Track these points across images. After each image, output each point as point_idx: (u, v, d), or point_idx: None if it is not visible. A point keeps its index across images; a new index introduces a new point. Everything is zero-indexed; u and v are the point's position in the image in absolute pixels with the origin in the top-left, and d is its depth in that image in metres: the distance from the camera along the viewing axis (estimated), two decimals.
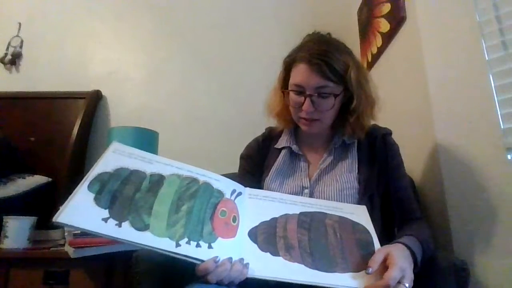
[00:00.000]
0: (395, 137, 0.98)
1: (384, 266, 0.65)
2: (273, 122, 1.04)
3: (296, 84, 0.88)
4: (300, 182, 0.92)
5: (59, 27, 2.03)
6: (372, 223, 0.80)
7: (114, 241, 0.71)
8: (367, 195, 0.87)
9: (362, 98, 0.90)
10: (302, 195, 0.89)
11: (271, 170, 0.95)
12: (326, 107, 0.88)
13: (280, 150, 1.00)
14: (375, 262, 0.65)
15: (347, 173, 0.90)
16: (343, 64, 0.87)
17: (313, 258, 0.69)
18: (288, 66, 0.92)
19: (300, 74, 0.87)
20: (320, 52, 0.86)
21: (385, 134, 0.95)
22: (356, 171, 0.90)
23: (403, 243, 0.70)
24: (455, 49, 1.05)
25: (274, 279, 0.65)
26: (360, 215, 0.81)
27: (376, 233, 0.77)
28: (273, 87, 1.01)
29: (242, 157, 1.04)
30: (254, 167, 1.00)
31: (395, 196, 0.91)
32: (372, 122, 0.96)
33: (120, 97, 1.94)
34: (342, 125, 0.95)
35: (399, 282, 0.61)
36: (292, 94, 0.90)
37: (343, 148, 0.96)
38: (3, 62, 1.96)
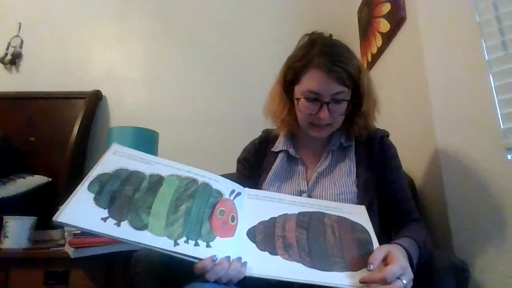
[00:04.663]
0: (395, 137, 0.98)
1: (384, 264, 0.65)
2: (271, 124, 1.03)
3: (312, 91, 0.84)
4: (298, 186, 0.91)
5: (59, 27, 2.04)
6: None
7: (113, 241, 0.72)
8: (365, 199, 0.86)
9: (370, 100, 0.90)
10: None
11: (269, 174, 0.94)
12: (340, 112, 0.87)
13: (277, 153, 0.99)
14: (376, 259, 0.64)
15: (346, 177, 0.90)
16: (356, 68, 0.86)
17: (311, 257, 0.69)
18: (298, 70, 0.88)
19: (317, 81, 0.83)
20: (337, 58, 0.83)
21: (383, 136, 0.95)
22: (354, 174, 0.90)
23: (400, 244, 0.70)
24: (455, 49, 1.05)
25: (272, 278, 0.65)
26: (359, 214, 0.81)
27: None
28: (273, 90, 0.99)
29: (239, 161, 1.04)
30: (251, 171, 0.99)
31: (393, 198, 0.91)
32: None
33: (120, 97, 1.94)
34: (345, 126, 0.94)
35: (397, 278, 0.61)
36: (304, 101, 0.87)
37: (341, 151, 0.96)
38: (3, 62, 1.96)
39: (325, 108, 0.84)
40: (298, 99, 0.89)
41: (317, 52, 0.85)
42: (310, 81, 0.85)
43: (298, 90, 0.88)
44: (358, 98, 0.89)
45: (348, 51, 0.89)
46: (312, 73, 0.84)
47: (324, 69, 0.82)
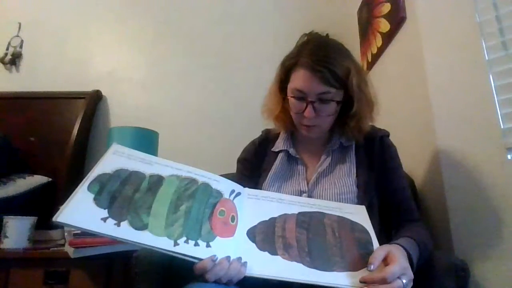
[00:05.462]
0: (395, 137, 0.98)
1: (384, 264, 0.65)
2: (271, 123, 1.03)
3: (297, 89, 0.86)
4: (298, 186, 0.91)
5: (59, 27, 2.04)
6: None
7: (114, 241, 0.72)
8: (366, 199, 0.86)
9: (362, 102, 0.89)
10: None
11: (269, 174, 0.94)
12: (327, 113, 0.87)
13: (277, 153, 0.99)
14: (376, 259, 0.64)
15: (346, 177, 0.90)
16: (345, 69, 0.85)
17: (311, 257, 0.69)
18: (288, 69, 0.90)
19: (302, 79, 0.85)
20: (323, 58, 0.84)
21: (383, 136, 0.95)
22: (355, 174, 0.90)
23: (400, 245, 0.70)
24: (455, 49, 1.05)
25: (272, 278, 0.65)
26: (359, 214, 0.81)
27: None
28: (270, 89, 1.00)
29: (239, 161, 1.04)
30: (251, 171, 0.99)
31: (393, 198, 0.91)
32: (370, 124, 0.96)
33: (120, 97, 1.94)
34: (341, 127, 0.94)
35: (397, 278, 0.61)
36: (292, 99, 0.88)
37: (341, 151, 0.95)
38: (3, 62, 1.96)
39: (310, 107, 0.85)
40: (288, 97, 0.90)
41: (307, 51, 0.86)
42: (296, 79, 0.87)
43: (289, 88, 0.90)
44: (350, 99, 0.88)
45: (340, 52, 0.89)
46: (299, 72, 0.86)
47: (309, 68, 0.84)
